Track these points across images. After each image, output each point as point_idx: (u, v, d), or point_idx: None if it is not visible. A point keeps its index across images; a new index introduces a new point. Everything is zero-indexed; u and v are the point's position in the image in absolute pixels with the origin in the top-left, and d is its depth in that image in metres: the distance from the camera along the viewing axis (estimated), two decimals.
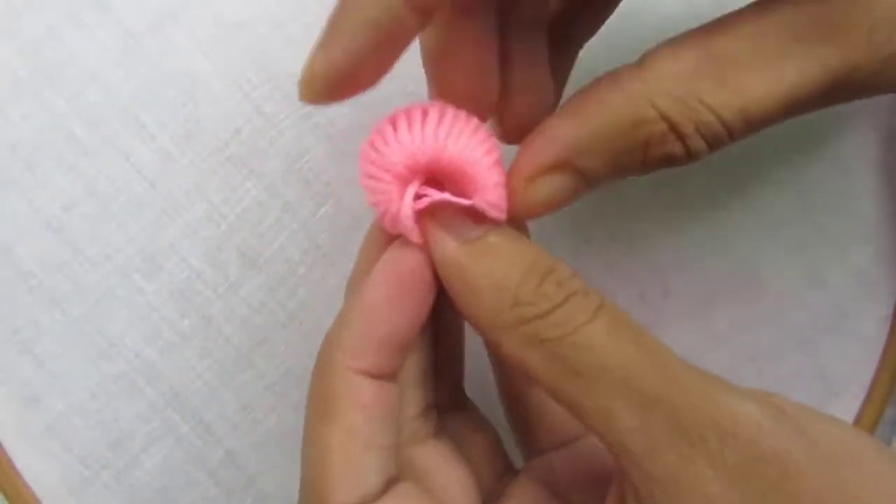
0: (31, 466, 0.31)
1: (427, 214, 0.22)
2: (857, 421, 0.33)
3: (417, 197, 0.22)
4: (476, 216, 0.22)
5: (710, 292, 0.32)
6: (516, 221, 0.22)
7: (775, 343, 0.32)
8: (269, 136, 0.30)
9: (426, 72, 0.23)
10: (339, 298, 0.31)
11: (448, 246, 0.21)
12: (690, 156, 0.21)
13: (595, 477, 0.24)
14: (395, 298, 0.21)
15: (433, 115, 0.22)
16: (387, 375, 0.21)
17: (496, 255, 0.21)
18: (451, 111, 0.22)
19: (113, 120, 0.30)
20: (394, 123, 0.22)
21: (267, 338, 0.31)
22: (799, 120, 0.31)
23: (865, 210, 0.32)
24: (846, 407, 0.33)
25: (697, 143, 0.21)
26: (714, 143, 0.21)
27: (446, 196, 0.21)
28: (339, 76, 0.20)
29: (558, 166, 0.21)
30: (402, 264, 0.22)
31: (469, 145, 0.21)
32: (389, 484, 0.21)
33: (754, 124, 0.21)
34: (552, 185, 0.22)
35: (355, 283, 0.24)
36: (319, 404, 0.21)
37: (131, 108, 0.30)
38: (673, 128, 0.20)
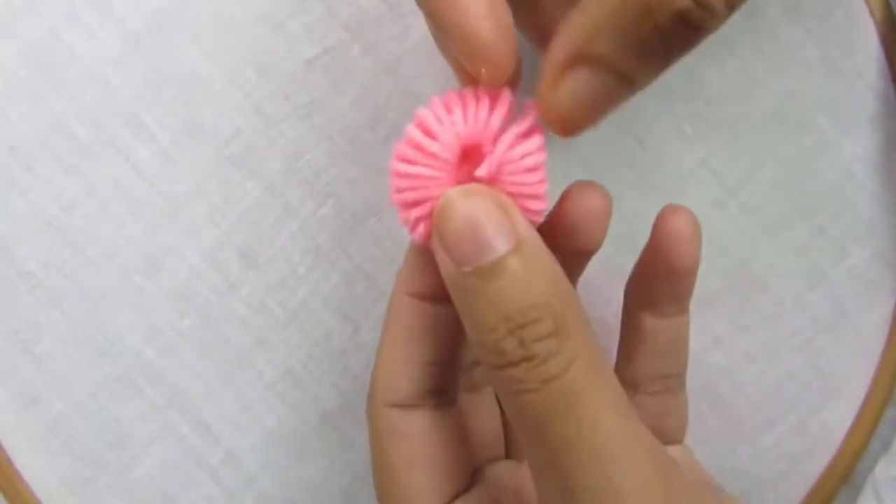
0: (31, 466, 0.31)
1: (434, 231, 0.21)
2: (857, 421, 0.33)
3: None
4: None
5: (710, 292, 0.32)
6: (565, 135, 0.21)
7: (775, 343, 0.32)
8: (269, 136, 0.30)
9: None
10: (339, 298, 0.31)
11: (447, 269, 0.21)
12: (704, 6, 0.19)
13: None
14: None
15: (502, 99, 0.21)
16: (426, 297, 0.23)
17: (483, 291, 0.20)
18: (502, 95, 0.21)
19: (113, 120, 0.30)
20: (439, 109, 0.21)
21: (267, 338, 0.31)
22: (799, 120, 0.31)
23: (865, 210, 0.32)
24: (846, 407, 0.33)
25: None
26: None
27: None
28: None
29: (576, 59, 0.20)
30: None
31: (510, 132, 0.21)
32: (430, 395, 0.24)
33: None
34: (578, 82, 0.20)
35: None
36: (386, 315, 0.24)
37: (131, 108, 0.30)
38: None
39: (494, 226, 0.20)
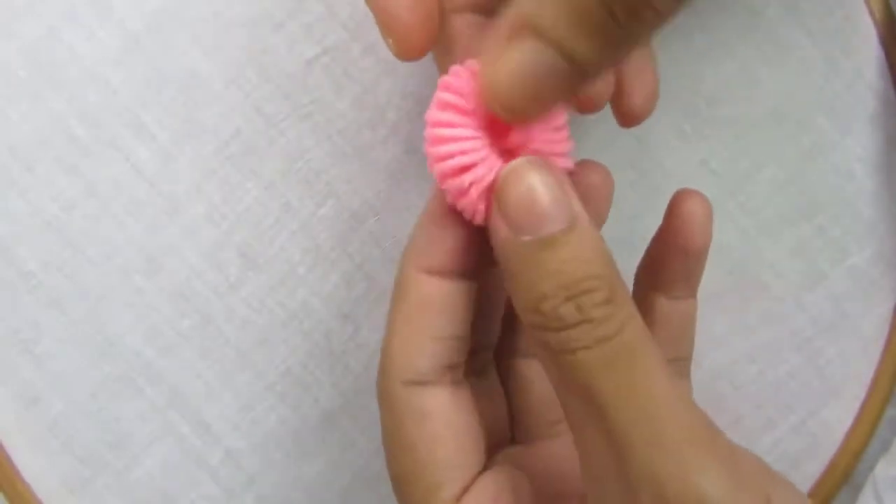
0: (31, 466, 0.31)
1: (495, 198, 0.21)
2: (857, 421, 0.33)
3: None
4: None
5: (710, 292, 0.32)
6: (508, 117, 0.21)
7: (775, 343, 0.32)
8: (269, 136, 0.30)
9: None
10: (339, 298, 0.31)
11: (505, 236, 0.21)
12: None
13: (563, 478, 0.26)
14: (450, 208, 0.23)
15: None
16: (443, 273, 0.23)
17: (541, 261, 0.20)
18: None
19: (113, 120, 0.30)
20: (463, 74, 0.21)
21: (267, 338, 0.31)
22: (799, 120, 0.31)
23: (865, 210, 0.32)
24: (846, 407, 0.33)
25: None
26: None
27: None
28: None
29: (520, 28, 0.19)
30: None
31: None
32: (446, 372, 0.24)
33: None
34: (520, 55, 0.19)
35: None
36: (393, 296, 0.24)
37: (131, 108, 0.30)
38: None
39: (555, 199, 0.20)
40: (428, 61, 0.31)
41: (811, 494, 0.33)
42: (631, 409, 0.20)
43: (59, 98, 0.30)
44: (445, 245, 0.23)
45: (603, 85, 0.25)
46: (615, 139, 0.31)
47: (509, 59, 0.20)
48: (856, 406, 0.33)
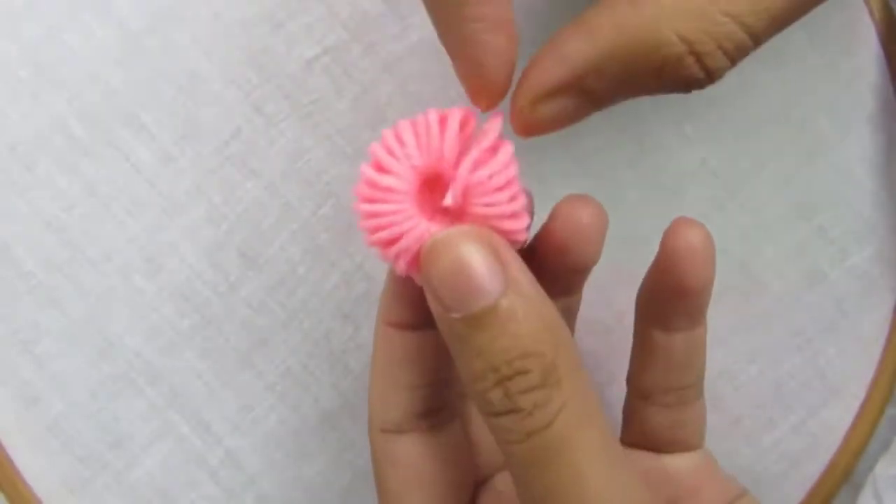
0: (31, 466, 0.31)
1: (421, 276, 0.21)
2: (857, 421, 0.33)
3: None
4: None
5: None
6: (523, 137, 0.22)
7: (775, 343, 0.32)
8: (269, 136, 0.30)
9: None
10: (339, 298, 0.31)
11: (436, 311, 0.20)
12: (710, 76, 0.20)
13: None
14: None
15: (452, 123, 0.21)
16: (403, 326, 0.24)
17: (471, 339, 0.19)
18: (470, 120, 0.21)
19: (113, 120, 0.30)
20: (400, 135, 0.21)
21: (267, 338, 0.31)
22: (799, 120, 0.31)
23: (865, 210, 0.32)
24: (846, 407, 0.33)
25: (719, 61, 0.20)
26: (738, 55, 0.20)
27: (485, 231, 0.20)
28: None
29: (568, 88, 0.21)
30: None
31: (491, 171, 0.20)
32: (420, 418, 0.24)
33: (778, 21, 0.20)
34: (559, 104, 0.21)
35: None
36: (373, 347, 0.25)
37: (131, 108, 0.30)
38: (692, 49, 0.19)
39: (483, 270, 0.19)
40: (427, 61, 0.31)
41: (811, 494, 0.33)
42: None
43: (59, 98, 0.30)
44: (404, 299, 0.23)
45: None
46: (615, 139, 0.31)
47: (552, 106, 0.21)
48: (856, 406, 0.33)
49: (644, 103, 0.31)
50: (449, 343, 0.20)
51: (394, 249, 0.21)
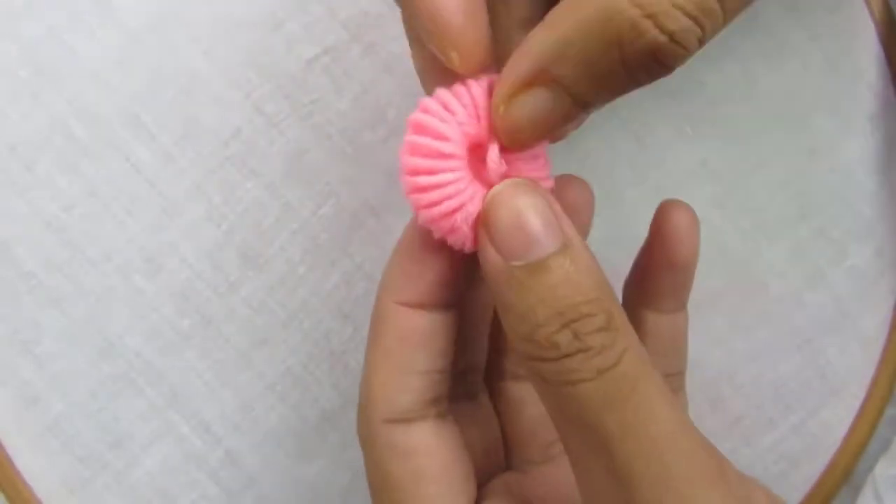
0: (31, 466, 0.31)
1: (481, 224, 0.21)
2: (857, 421, 0.33)
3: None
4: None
5: (710, 292, 0.32)
6: (513, 149, 0.21)
7: (775, 343, 0.32)
8: (269, 136, 0.30)
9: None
10: (339, 298, 0.31)
11: (495, 263, 0.20)
12: (678, 43, 0.19)
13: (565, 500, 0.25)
14: (428, 240, 0.22)
15: (477, 89, 0.21)
16: (422, 305, 0.23)
17: (534, 287, 0.20)
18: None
19: (113, 120, 0.30)
20: (445, 102, 0.21)
21: (267, 338, 0.31)
22: (799, 120, 0.31)
23: (865, 210, 0.32)
24: (846, 407, 0.33)
25: (680, 21, 0.18)
26: (700, 15, 0.19)
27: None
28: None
29: (535, 79, 0.20)
30: None
31: None
32: (431, 405, 0.23)
33: None
34: (534, 101, 0.20)
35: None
36: (370, 330, 0.23)
37: (131, 108, 0.30)
38: (646, 11, 0.18)
39: (544, 222, 0.20)
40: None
41: (811, 494, 0.33)
42: (635, 445, 0.19)
43: (59, 98, 0.30)
44: (425, 278, 0.23)
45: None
46: (615, 139, 0.31)
47: (526, 102, 0.20)
48: (856, 406, 0.33)
49: (644, 103, 0.31)
50: (505, 295, 0.20)
51: (458, 216, 0.21)
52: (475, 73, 0.21)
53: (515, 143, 0.21)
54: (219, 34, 0.30)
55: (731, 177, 0.32)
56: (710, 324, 0.32)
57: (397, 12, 0.31)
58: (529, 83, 0.20)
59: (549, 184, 0.22)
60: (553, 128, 0.21)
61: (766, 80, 0.31)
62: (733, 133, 0.31)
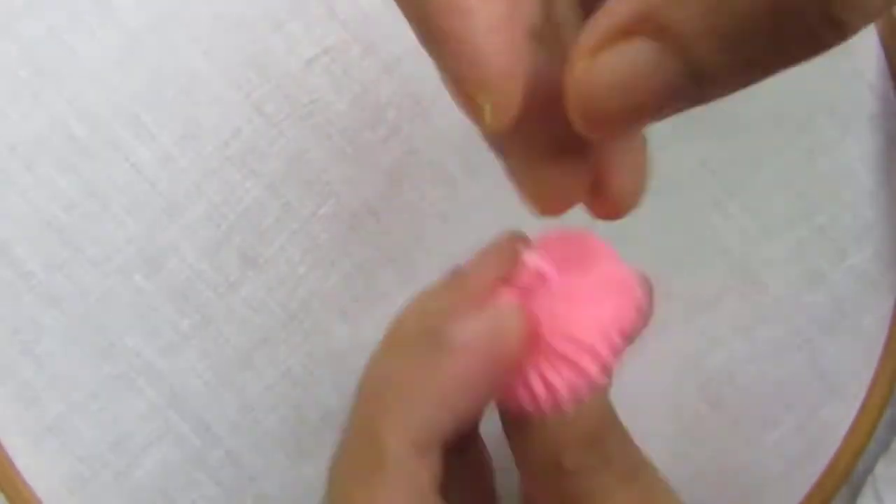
0: (31, 466, 0.31)
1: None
2: (857, 421, 0.33)
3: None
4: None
5: (710, 292, 0.32)
6: (589, 132, 0.16)
7: (775, 343, 0.32)
8: (269, 136, 0.30)
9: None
10: (338, 298, 0.31)
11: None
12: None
13: None
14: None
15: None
16: (440, 445, 0.21)
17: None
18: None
19: (113, 120, 0.30)
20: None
21: (267, 338, 0.31)
22: (799, 120, 0.31)
23: (865, 210, 0.32)
24: (846, 407, 0.33)
25: None
26: None
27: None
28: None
29: (637, 25, 0.14)
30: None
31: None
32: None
33: None
34: (629, 55, 0.14)
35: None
36: (362, 464, 0.22)
37: (131, 108, 0.30)
38: None
39: None
40: (427, 61, 0.31)
41: (811, 494, 0.33)
42: None
43: (58, 98, 0.30)
44: (460, 418, 0.20)
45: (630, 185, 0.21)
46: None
47: (616, 58, 0.14)
48: (856, 406, 0.33)
49: None
50: None
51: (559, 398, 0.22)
52: (507, 129, 0.17)
53: (592, 121, 0.15)
54: (219, 34, 0.30)
55: (730, 177, 0.32)
56: (711, 324, 0.32)
57: (398, 12, 0.31)
58: (625, 32, 0.14)
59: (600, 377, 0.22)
60: (648, 104, 0.15)
61: (765, 81, 0.31)
62: (733, 133, 0.31)
